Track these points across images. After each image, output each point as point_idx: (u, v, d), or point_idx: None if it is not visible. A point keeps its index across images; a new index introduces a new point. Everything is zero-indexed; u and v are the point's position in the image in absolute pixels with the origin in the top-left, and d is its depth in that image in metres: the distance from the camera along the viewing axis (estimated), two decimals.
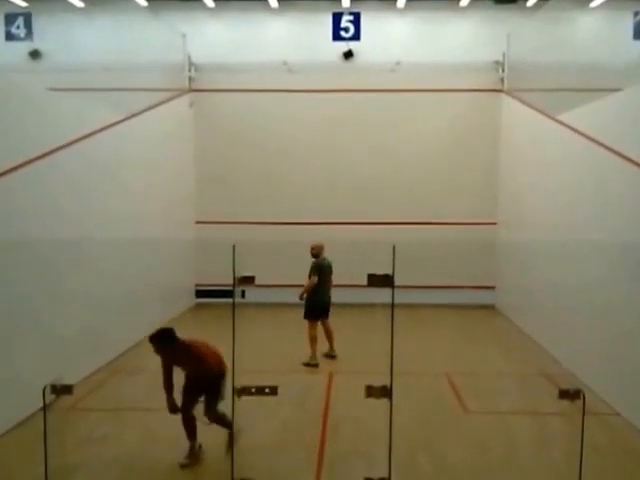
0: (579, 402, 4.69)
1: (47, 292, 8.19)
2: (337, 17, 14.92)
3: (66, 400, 5.82)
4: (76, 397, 6.55)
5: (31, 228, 7.97)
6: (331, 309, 10.59)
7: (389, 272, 5.50)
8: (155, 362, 10.33)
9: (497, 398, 8.75)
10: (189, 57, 15.55)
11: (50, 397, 5.63)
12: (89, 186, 9.81)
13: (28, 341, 7.64)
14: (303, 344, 10.35)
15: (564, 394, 4.83)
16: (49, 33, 15.56)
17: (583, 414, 4.56)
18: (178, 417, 7.97)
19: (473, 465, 6.67)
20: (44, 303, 8.07)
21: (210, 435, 6.77)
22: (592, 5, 15.70)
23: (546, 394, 8.31)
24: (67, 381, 5.68)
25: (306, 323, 10.36)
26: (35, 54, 16.00)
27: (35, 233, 7.95)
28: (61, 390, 5.66)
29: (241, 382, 5.60)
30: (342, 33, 14.96)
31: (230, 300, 5.54)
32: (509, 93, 15.04)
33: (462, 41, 16.08)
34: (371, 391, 5.49)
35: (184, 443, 6.76)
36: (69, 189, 9.14)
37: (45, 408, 5.42)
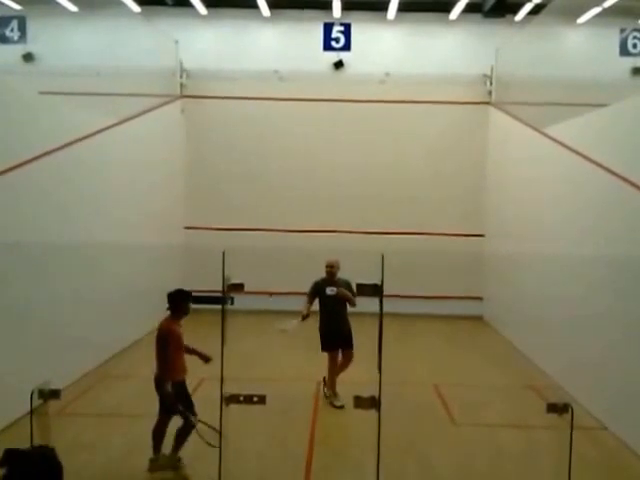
0: (567, 416, 4.71)
1: (34, 296, 8.13)
2: (328, 27, 14.96)
3: (53, 405, 5.79)
4: (63, 402, 6.50)
5: (21, 230, 7.93)
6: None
7: (377, 281, 5.51)
8: (142, 368, 10.35)
9: (485, 410, 8.78)
10: (181, 63, 15.58)
11: (37, 402, 5.61)
12: (78, 190, 9.77)
13: (13, 344, 7.58)
14: (293, 352, 10.29)
15: (552, 408, 4.84)
16: (43, 36, 15.46)
17: (571, 428, 4.57)
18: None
19: (461, 477, 6.69)
20: (32, 306, 8.01)
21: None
22: (579, 21, 15.88)
23: (534, 407, 8.35)
24: (54, 386, 5.67)
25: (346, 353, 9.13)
26: (28, 57, 15.95)
27: (25, 235, 7.91)
28: (49, 395, 5.63)
29: (229, 390, 5.61)
30: (333, 43, 15.00)
31: (219, 307, 5.54)
32: (497, 106, 15.19)
33: (451, 54, 16.19)
34: (359, 402, 5.45)
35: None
36: (58, 193, 9.11)
37: (32, 413, 5.39)
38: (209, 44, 16.19)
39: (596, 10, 15.11)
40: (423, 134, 15.58)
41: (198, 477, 6.54)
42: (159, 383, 6.46)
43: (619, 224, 8.17)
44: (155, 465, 6.51)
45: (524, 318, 11.88)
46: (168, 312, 6.68)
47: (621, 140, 9.02)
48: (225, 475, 5.63)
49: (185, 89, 15.67)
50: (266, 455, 7.03)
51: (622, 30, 14.28)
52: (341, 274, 8.96)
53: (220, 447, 5.72)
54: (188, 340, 13.34)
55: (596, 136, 9.78)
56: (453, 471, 6.81)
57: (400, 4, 15.40)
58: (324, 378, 9.07)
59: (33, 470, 4.40)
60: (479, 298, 15.30)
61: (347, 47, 15.01)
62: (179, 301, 6.63)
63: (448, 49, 16.34)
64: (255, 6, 15.64)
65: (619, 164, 8.34)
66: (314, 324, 8.98)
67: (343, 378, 8.97)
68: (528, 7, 15.47)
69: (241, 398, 5.62)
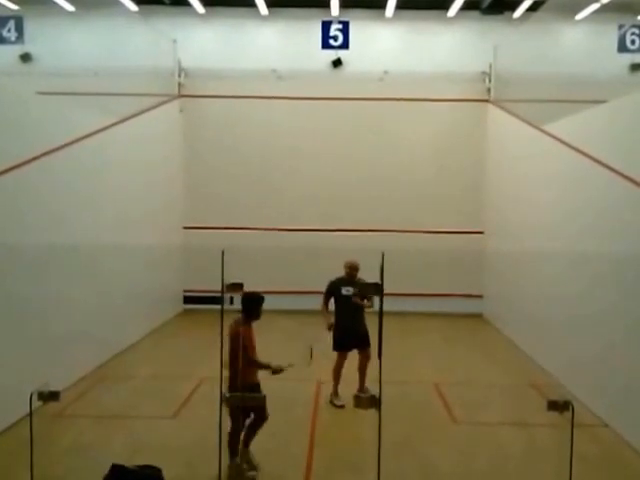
0: (568, 413, 4.68)
1: (32, 297, 8.10)
2: (326, 25, 14.94)
3: (53, 407, 5.78)
4: (63, 404, 6.48)
5: (17, 231, 7.91)
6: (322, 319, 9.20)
7: (377, 280, 5.49)
8: (142, 369, 10.35)
9: (486, 409, 8.75)
10: (179, 63, 15.55)
11: (37, 403, 5.59)
12: (76, 190, 9.74)
13: (12, 346, 7.56)
14: (293, 352, 10.21)
15: (553, 405, 4.81)
16: (40, 37, 15.46)
17: (572, 426, 4.55)
18: (165, 425, 7.96)
19: (462, 477, 6.67)
20: (30, 308, 7.99)
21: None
22: (578, 18, 15.85)
23: (535, 405, 8.33)
24: (54, 387, 5.65)
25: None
26: (26, 57, 15.92)
27: (21, 236, 7.88)
28: (48, 397, 5.61)
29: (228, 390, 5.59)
30: (331, 41, 14.98)
31: (218, 307, 5.52)
32: (495, 103, 15.18)
33: (449, 51, 16.18)
34: (359, 401, 5.42)
35: (171, 451, 6.71)
36: (55, 193, 9.08)
37: (31, 415, 5.37)
38: (207, 43, 16.17)
39: (594, 6, 15.07)
40: (422, 132, 15.57)
41: (199, 477, 6.53)
42: (253, 388, 6.40)
43: (619, 221, 8.14)
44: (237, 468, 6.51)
45: (524, 316, 11.86)
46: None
47: (620, 136, 9.01)
48: (225, 475, 5.62)
49: (183, 88, 15.65)
50: (266, 455, 6.99)
51: (620, 26, 14.28)
52: (340, 271, 8.89)
53: (220, 448, 5.70)
54: (188, 340, 13.37)
55: (595, 133, 9.76)
56: (454, 470, 6.78)
57: (398, 2, 15.35)
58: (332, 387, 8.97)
59: None
60: (479, 296, 15.28)
61: (345, 45, 14.99)
62: (253, 305, 6.54)
63: (446, 47, 16.32)
64: (253, 5, 15.61)
65: (618, 160, 8.32)
66: (318, 324, 8.96)
67: (343, 377, 8.93)
68: (526, 4, 15.42)
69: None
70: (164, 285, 14.06)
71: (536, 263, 11.26)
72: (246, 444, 6.58)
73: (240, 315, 6.54)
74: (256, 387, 6.50)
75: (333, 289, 8.78)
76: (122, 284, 11.23)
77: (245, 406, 6.31)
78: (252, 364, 6.42)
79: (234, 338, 6.33)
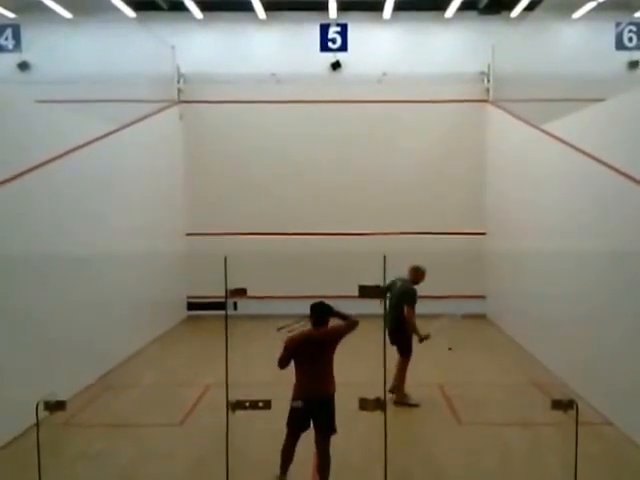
0: (572, 412, 4.71)
1: (37, 308, 8.12)
2: (324, 28, 14.99)
3: (59, 416, 5.80)
4: (69, 412, 6.49)
5: (21, 241, 7.93)
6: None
7: (380, 283, 5.53)
8: (147, 376, 10.37)
9: (490, 409, 8.76)
10: (178, 68, 15.59)
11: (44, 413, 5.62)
12: (77, 199, 9.77)
13: (19, 356, 7.59)
14: None
15: (557, 404, 4.85)
16: (37, 44, 15.47)
17: (577, 425, 4.58)
18: (172, 433, 7.96)
19: (468, 477, 6.68)
20: (34, 318, 8.00)
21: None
22: (575, 16, 15.86)
23: (539, 404, 8.33)
24: (60, 397, 5.67)
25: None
26: (24, 66, 15.94)
27: (24, 247, 7.90)
28: (54, 406, 5.64)
29: (235, 396, 5.61)
30: (329, 44, 15.03)
31: (222, 312, 5.54)
32: (494, 103, 15.19)
33: (448, 52, 16.19)
34: (364, 404, 5.45)
35: (178, 459, 6.71)
36: (56, 202, 9.09)
37: (38, 424, 5.40)
38: (206, 48, 16.17)
39: (591, 4, 15.08)
40: (422, 133, 15.55)
41: None
42: (332, 398, 6.35)
43: (620, 219, 8.15)
44: None
45: (527, 315, 11.85)
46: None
47: (620, 134, 9.01)
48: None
49: (183, 94, 15.67)
50: (272, 459, 7.01)
51: (617, 24, 14.30)
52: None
53: (227, 455, 5.72)
54: (192, 346, 13.37)
55: (594, 131, 9.77)
56: (460, 470, 6.80)
57: (396, 3, 15.39)
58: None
59: None
60: (482, 296, 15.28)
61: (344, 48, 15.04)
62: (323, 313, 6.44)
63: (445, 47, 16.34)
64: (251, 9, 15.64)
65: (617, 159, 8.33)
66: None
67: (346, 380, 8.94)
68: (523, 3, 15.44)
69: (247, 404, 5.62)
70: (167, 292, 14.05)
71: (538, 263, 11.26)
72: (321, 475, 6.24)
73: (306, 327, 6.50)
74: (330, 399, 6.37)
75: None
76: (125, 291, 11.24)
77: (310, 416, 6.27)
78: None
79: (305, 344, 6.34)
